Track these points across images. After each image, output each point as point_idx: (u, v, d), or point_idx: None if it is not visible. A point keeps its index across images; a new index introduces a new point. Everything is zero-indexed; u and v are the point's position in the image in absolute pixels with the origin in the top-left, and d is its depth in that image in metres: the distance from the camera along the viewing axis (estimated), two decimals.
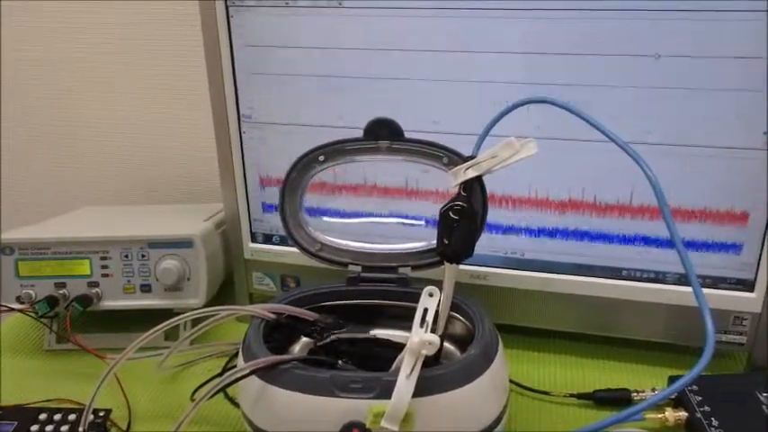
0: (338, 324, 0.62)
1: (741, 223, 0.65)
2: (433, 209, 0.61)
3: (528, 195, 0.70)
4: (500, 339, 0.59)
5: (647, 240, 0.68)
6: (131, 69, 1.07)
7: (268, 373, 0.53)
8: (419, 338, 0.49)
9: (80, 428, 0.59)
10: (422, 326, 0.52)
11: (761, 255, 0.65)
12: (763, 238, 0.64)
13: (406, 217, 0.74)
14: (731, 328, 0.68)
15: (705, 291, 0.53)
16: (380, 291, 0.66)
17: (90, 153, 1.14)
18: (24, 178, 1.19)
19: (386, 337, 0.60)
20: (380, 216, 0.74)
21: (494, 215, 0.71)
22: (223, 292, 0.84)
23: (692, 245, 0.67)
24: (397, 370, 0.50)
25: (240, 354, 0.57)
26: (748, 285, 0.66)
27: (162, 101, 1.07)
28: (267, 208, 0.78)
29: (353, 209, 0.75)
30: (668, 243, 0.67)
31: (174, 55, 1.03)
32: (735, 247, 0.66)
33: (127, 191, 1.15)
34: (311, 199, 0.70)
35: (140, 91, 1.08)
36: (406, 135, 0.64)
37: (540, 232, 0.71)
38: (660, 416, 0.60)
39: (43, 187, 1.19)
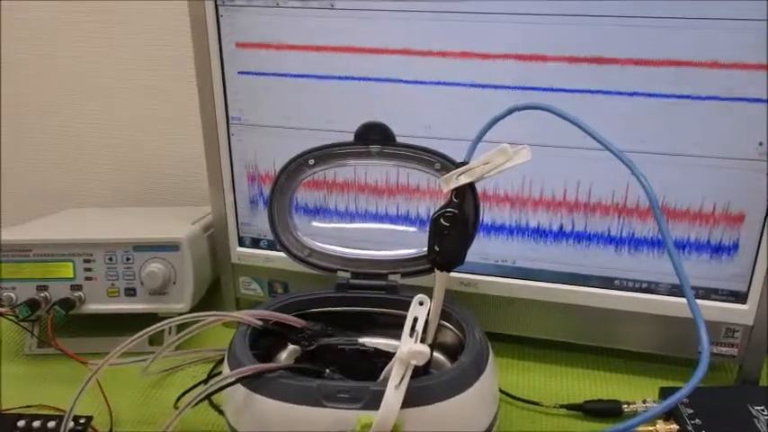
0: (326, 331, 0.61)
1: (734, 234, 0.64)
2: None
3: (521, 199, 0.69)
4: (490, 349, 0.58)
5: (639, 248, 0.68)
6: (123, 70, 1.05)
7: (253, 382, 0.52)
8: (408, 349, 0.48)
9: None
10: (411, 335, 0.51)
11: (754, 266, 0.64)
12: (757, 250, 0.64)
13: (397, 217, 0.73)
14: (723, 340, 0.67)
15: (697, 302, 0.52)
16: (370, 298, 0.65)
17: (79, 154, 1.13)
18: (13, 179, 1.17)
19: (375, 346, 0.59)
20: (370, 218, 0.74)
21: (486, 217, 0.71)
22: (209, 297, 0.83)
23: (683, 249, 0.67)
24: (386, 380, 0.49)
25: (225, 361, 0.56)
26: (741, 297, 0.66)
27: (154, 102, 1.06)
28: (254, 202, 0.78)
29: (343, 208, 0.74)
30: (660, 248, 0.67)
31: (165, 55, 1.02)
32: (727, 257, 0.65)
33: (117, 193, 1.14)
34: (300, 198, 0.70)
35: (131, 92, 1.07)
36: (398, 140, 0.63)
37: (532, 234, 0.70)
38: (651, 428, 0.60)
39: (32, 189, 1.17)
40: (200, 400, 0.52)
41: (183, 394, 0.68)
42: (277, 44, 0.70)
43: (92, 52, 1.06)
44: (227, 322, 0.61)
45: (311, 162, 0.65)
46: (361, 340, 0.61)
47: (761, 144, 0.61)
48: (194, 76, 0.73)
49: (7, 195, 1.18)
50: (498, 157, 0.53)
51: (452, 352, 0.61)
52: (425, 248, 0.58)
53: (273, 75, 0.71)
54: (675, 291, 0.68)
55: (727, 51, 0.59)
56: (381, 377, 0.53)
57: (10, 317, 0.73)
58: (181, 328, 0.57)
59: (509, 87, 0.65)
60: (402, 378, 0.48)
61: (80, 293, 0.75)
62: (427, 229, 0.57)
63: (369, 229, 0.74)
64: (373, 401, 0.48)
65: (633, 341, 0.71)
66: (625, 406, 0.65)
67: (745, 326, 0.66)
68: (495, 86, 0.65)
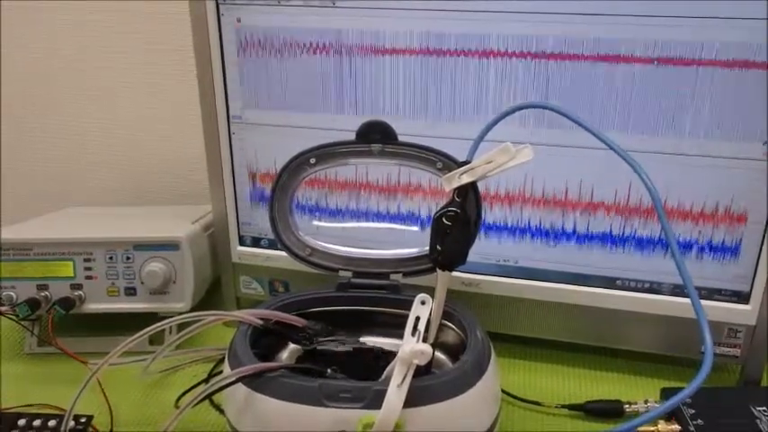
0: (327, 331, 0.61)
1: (737, 234, 0.64)
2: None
3: (522, 198, 0.69)
4: (492, 348, 0.58)
5: (641, 248, 0.67)
6: (124, 70, 1.05)
7: (254, 381, 0.52)
8: (410, 348, 0.48)
9: None
10: (413, 335, 0.51)
11: (756, 267, 0.64)
12: (760, 250, 0.64)
13: (398, 216, 0.73)
14: (725, 341, 0.67)
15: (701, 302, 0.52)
16: (371, 297, 0.65)
17: (79, 154, 1.13)
18: (14, 179, 1.17)
19: (376, 345, 0.59)
20: (371, 218, 0.73)
21: (488, 216, 0.70)
22: (210, 297, 0.82)
23: (686, 249, 0.66)
24: (388, 379, 0.49)
25: (226, 360, 0.56)
26: (743, 297, 0.66)
27: (154, 101, 1.06)
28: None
29: (344, 207, 0.74)
30: (663, 248, 0.67)
31: (165, 54, 1.02)
32: (730, 257, 0.65)
33: (117, 192, 1.14)
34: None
35: (131, 91, 1.07)
36: (400, 138, 0.63)
37: (534, 234, 0.70)
38: (653, 428, 0.60)
39: (32, 188, 1.17)
40: (201, 400, 0.52)
41: (184, 394, 0.67)
42: (278, 42, 0.70)
43: (92, 52, 1.05)
44: (227, 322, 0.61)
45: (312, 161, 0.65)
46: (363, 340, 0.61)
47: (764, 144, 0.61)
48: (195, 75, 0.72)
49: (7, 195, 1.18)
50: (501, 156, 0.53)
51: (454, 352, 0.61)
52: (427, 248, 0.57)
53: (274, 73, 0.71)
54: (678, 291, 0.67)
55: (729, 51, 0.59)
56: (383, 377, 0.53)
57: (10, 316, 0.72)
58: (181, 327, 0.57)
59: (512, 87, 0.65)
60: (404, 378, 0.48)
61: (80, 293, 0.74)
62: (429, 228, 0.57)
63: (370, 229, 0.74)
64: (375, 401, 0.48)
65: (635, 341, 0.71)
66: (627, 406, 0.64)
67: (747, 326, 0.66)
68: (498, 86, 0.65)
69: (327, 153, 0.64)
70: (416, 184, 0.71)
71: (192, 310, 0.75)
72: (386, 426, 0.47)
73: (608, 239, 0.68)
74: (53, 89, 1.09)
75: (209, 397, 0.53)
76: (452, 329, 0.61)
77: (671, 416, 0.61)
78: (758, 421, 0.59)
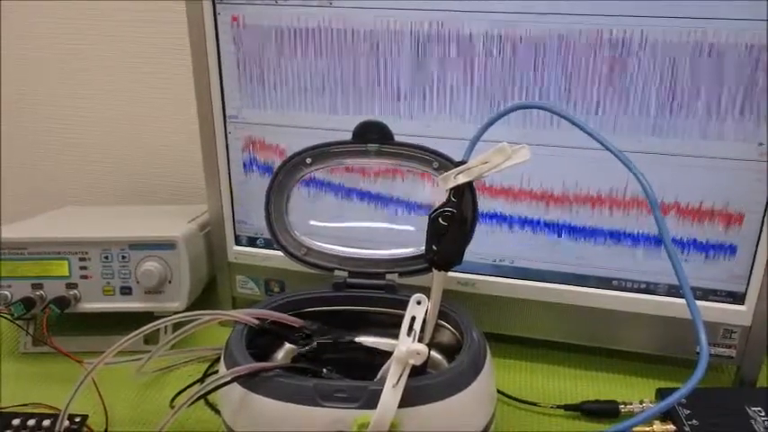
0: (323, 331, 0.61)
1: (733, 234, 0.64)
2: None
3: (519, 198, 0.69)
4: (488, 348, 0.58)
5: (637, 248, 0.67)
6: (121, 69, 1.05)
7: (250, 381, 0.52)
8: (406, 348, 0.48)
9: None
10: (409, 334, 0.51)
11: (752, 267, 0.64)
12: (755, 250, 0.64)
13: (395, 216, 0.73)
14: (720, 341, 0.67)
15: (696, 303, 0.52)
16: (367, 297, 0.65)
17: (77, 153, 1.13)
18: (12, 178, 1.17)
19: (372, 345, 0.59)
20: (367, 217, 0.73)
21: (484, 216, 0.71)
22: (206, 296, 0.82)
23: (682, 249, 0.66)
24: (384, 379, 0.49)
25: (222, 360, 0.56)
26: (739, 298, 0.66)
27: (152, 100, 1.06)
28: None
29: (340, 206, 0.74)
30: (659, 249, 0.67)
31: (162, 53, 1.02)
32: (726, 257, 0.65)
33: (113, 191, 1.14)
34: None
35: (130, 90, 1.06)
36: (397, 138, 0.63)
37: (530, 234, 0.70)
38: (648, 429, 0.60)
39: (30, 187, 1.17)
40: (197, 399, 0.52)
41: (179, 393, 0.67)
42: (275, 41, 0.69)
43: (91, 51, 1.05)
44: (223, 321, 0.61)
45: (308, 161, 0.65)
46: (359, 339, 0.61)
47: (761, 144, 0.61)
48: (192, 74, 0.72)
49: (6, 194, 1.18)
50: (497, 156, 0.53)
51: (450, 352, 0.61)
52: (423, 248, 0.57)
53: (271, 73, 0.71)
54: (674, 291, 0.67)
55: (727, 51, 0.59)
56: (378, 376, 0.53)
57: (5, 315, 0.72)
58: (176, 327, 0.57)
59: (509, 87, 0.65)
60: (399, 377, 0.48)
61: (75, 292, 0.74)
62: (425, 228, 0.57)
63: (366, 228, 0.73)
64: (370, 401, 0.48)
65: (630, 341, 0.71)
66: (622, 406, 0.65)
67: (743, 327, 0.66)
68: (495, 86, 0.65)
69: (323, 153, 0.64)
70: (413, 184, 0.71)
71: (188, 309, 0.75)
72: (381, 426, 0.47)
73: (604, 240, 0.68)
74: (52, 88, 1.09)
75: (204, 397, 0.53)
76: (448, 329, 0.61)
77: (666, 416, 0.61)
78: (753, 422, 0.59)
